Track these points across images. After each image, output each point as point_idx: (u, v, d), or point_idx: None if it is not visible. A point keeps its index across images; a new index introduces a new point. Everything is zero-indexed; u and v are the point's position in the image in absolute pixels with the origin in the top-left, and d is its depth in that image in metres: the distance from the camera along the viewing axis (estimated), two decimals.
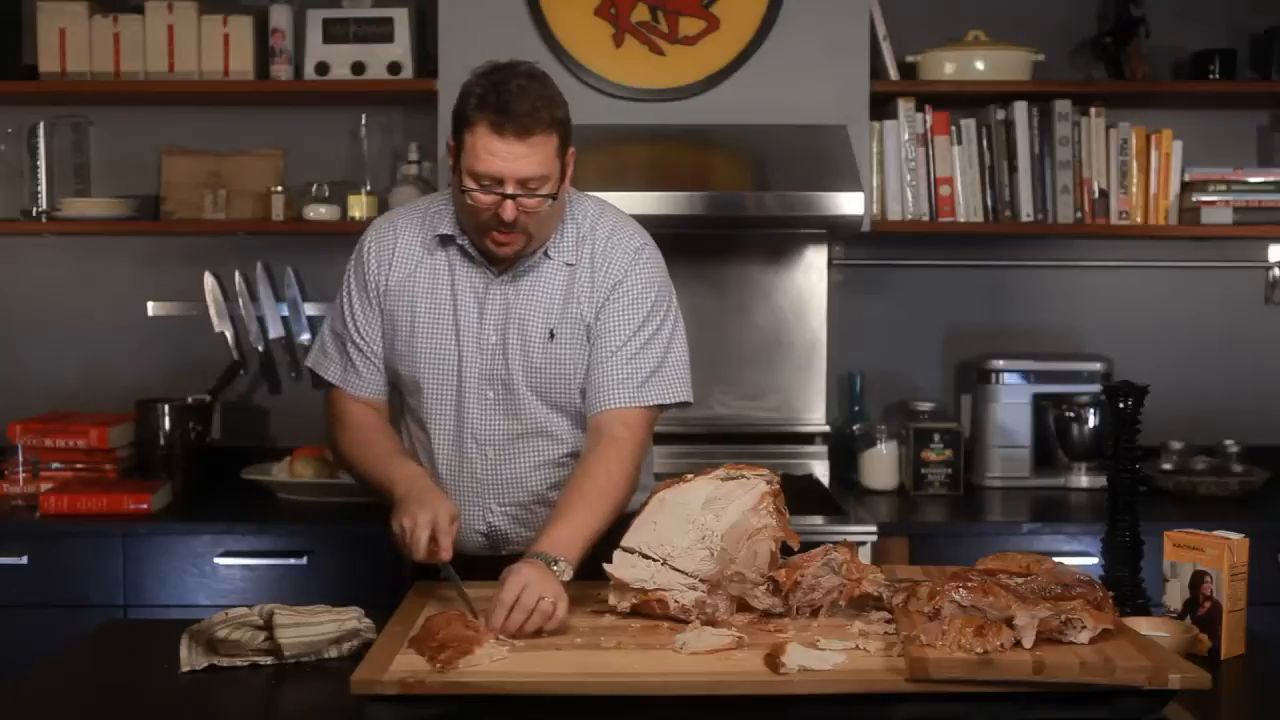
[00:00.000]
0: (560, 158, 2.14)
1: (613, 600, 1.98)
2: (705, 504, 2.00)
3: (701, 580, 1.97)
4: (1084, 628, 1.76)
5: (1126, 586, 2.15)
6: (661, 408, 2.27)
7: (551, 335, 2.23)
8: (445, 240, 2.26)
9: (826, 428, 3.57)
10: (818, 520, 3.03)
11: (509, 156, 2.07)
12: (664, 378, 2.26)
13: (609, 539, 2.05)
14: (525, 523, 2.29)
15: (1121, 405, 2.18)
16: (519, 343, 2.23)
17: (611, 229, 2.28)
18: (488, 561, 2.26)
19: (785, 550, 2.00)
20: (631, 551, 1.98)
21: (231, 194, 3.55)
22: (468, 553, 2.28)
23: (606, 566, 1.97)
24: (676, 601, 1.94)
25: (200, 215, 3.55)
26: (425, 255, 2.27)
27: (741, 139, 3.32)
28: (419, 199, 2.42)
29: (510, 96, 2.06)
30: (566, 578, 1.98)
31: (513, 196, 2.09)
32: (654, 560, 1.98)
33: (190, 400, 3.45)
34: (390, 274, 2.28)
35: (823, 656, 1.74)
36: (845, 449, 3.56)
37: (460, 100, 2.12)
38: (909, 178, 3.44)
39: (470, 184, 2.11)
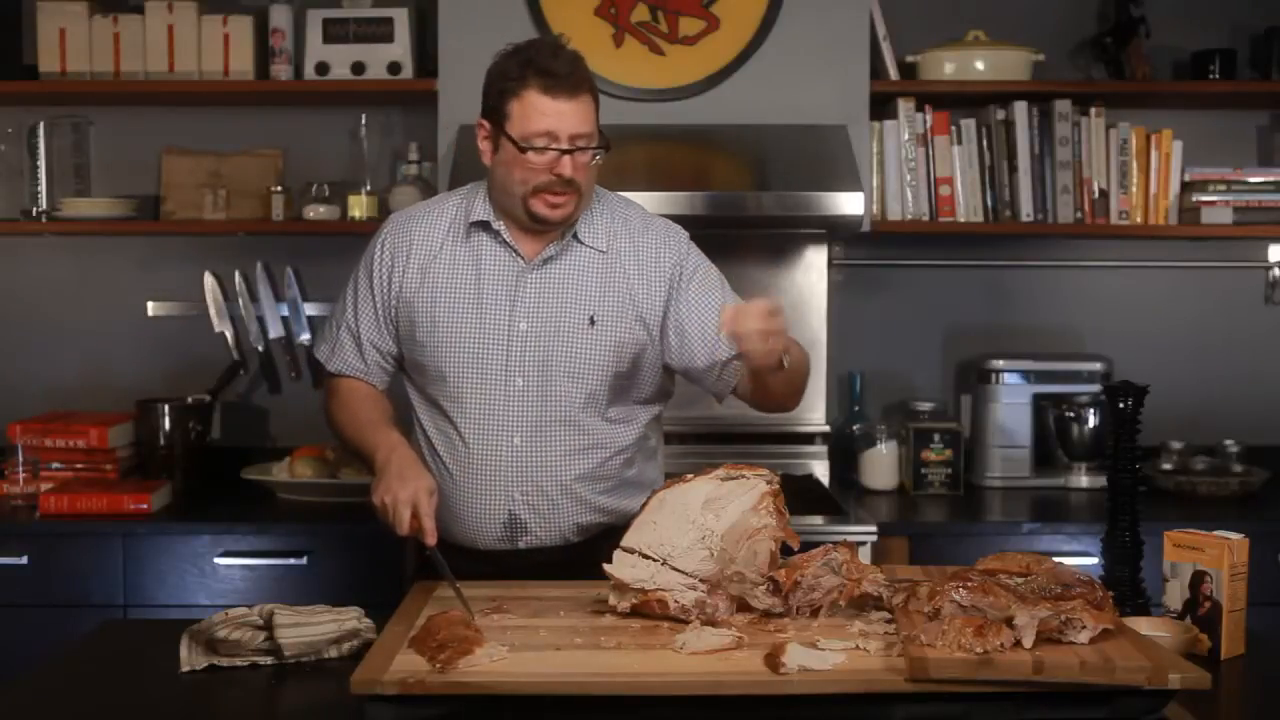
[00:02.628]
0: (598, 124, 2.22)
1: (613, 600, 1.98)
2: (705, 504, 2.00)
3: (701, 580, 1.97)
4: (1084, 628, 1.76)
5: (1126, 586, 2.15)
6: None
7: (592, 321, 2.26)
8: (473, 229, 2.29)
9: (826, 428, 3.57)
10: (818, 520, 3.03)
11: (561, 114, 2.16)
12: None
13: (609, 538, 2.05)
14: (546, 514, 2.29)
15: (1121, 405, 2.18)
16: (556, 330, 2.25)
17: (644, 220, 2.36)
18: (506, 556, 2.28)
19: (785, 550, 2.00)
20: (631, 551, 1.98)
21: (231, 194, 3.55)
22: (484, 545, 2.29)
23: (606, 567, 1.97)
24: (676, 601, 1.94)
25: (200, 215, 3.55)
26: (447, 244, 2.30)
27: (741, 139, 3.32)
28: (440, 194, 2.47)
29: (552, 61, 2.17)
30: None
31: (569, 151, 2.16)
32: (654, 560, 1.98)
33: (190, 400, 3.45)
34: (407, 268, 2.30)
35: (823, 656, 1.74)
36: (845, 449, 3.56)
37: (497, 77, 2.21)
38: (909, 178, 3.44)
39: (525, 145, 2.17)
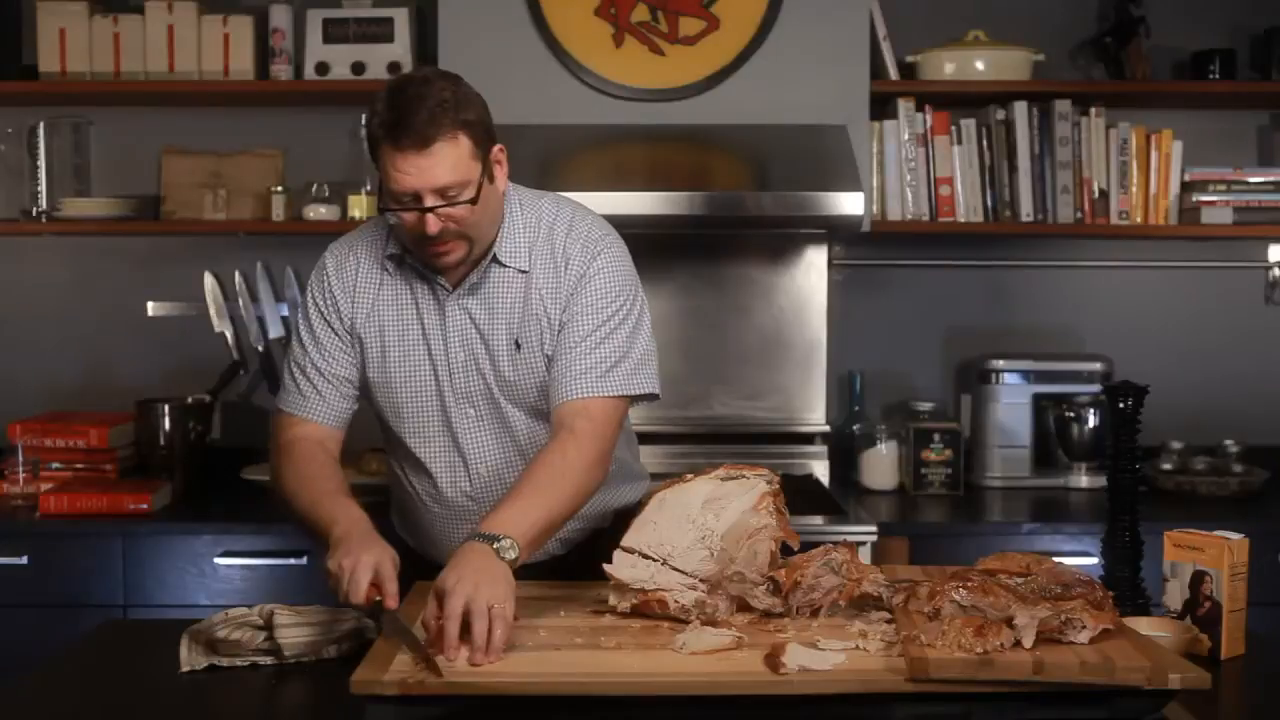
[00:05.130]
0: (479, 159, 2.06)
1: (613, 600, 1.98)
2: (705, 504, 2.00)
3: (701, 580, 1.97)
4: (1084, 628, 1.76)
5: (1126, 586, 2.15)
6: (630, 401, 2.21)
7: (518, 346, 2.18)
8: (398, 260, 2.21)
9: (826, 428, 3.58)
10: (818, 520, 3.03)
11: (415, 171, 2.00)
12: (629, 368, 2.17)
13: (611, 538, 2.04)
14: None
15: (1121, 405, 2.17)
16: (488, 358, 2.19)
17: (570, 226, 2.21)
18: None
19: (785, 550, 2.00)
20: (631, 551, 1.98)
21: (231, 194, 3.55)
22: None
23: (606, 567, 1.97)
24: (676, 601, 1.94)
25: (200, 215, 3.55)
26: (385, 277, 2.22)
27: (741, 139, 3.32)
28: (370, 220, 2.32)
29: (405, 110, 1.99)
30: (510, 556, 1.89)
31: (432, 209, 2.03)
32: (654, 560, 1.98)
33: (190, 400, 3.45)
34: (356, 303, 2.23)
35: (823, 656, 1.74)
36: (845, 449, 3.56)
37: (367, 125, 2.06)
38: (909, 178, 3.44)
39: (393, 204, 2.06)
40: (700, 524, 1.98)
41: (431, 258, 2.12)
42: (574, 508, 2.09)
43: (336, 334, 2.24)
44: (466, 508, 2.26)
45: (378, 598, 1.91)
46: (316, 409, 2.24)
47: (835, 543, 1.99)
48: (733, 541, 1.97)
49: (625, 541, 1.99)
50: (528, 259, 2.19)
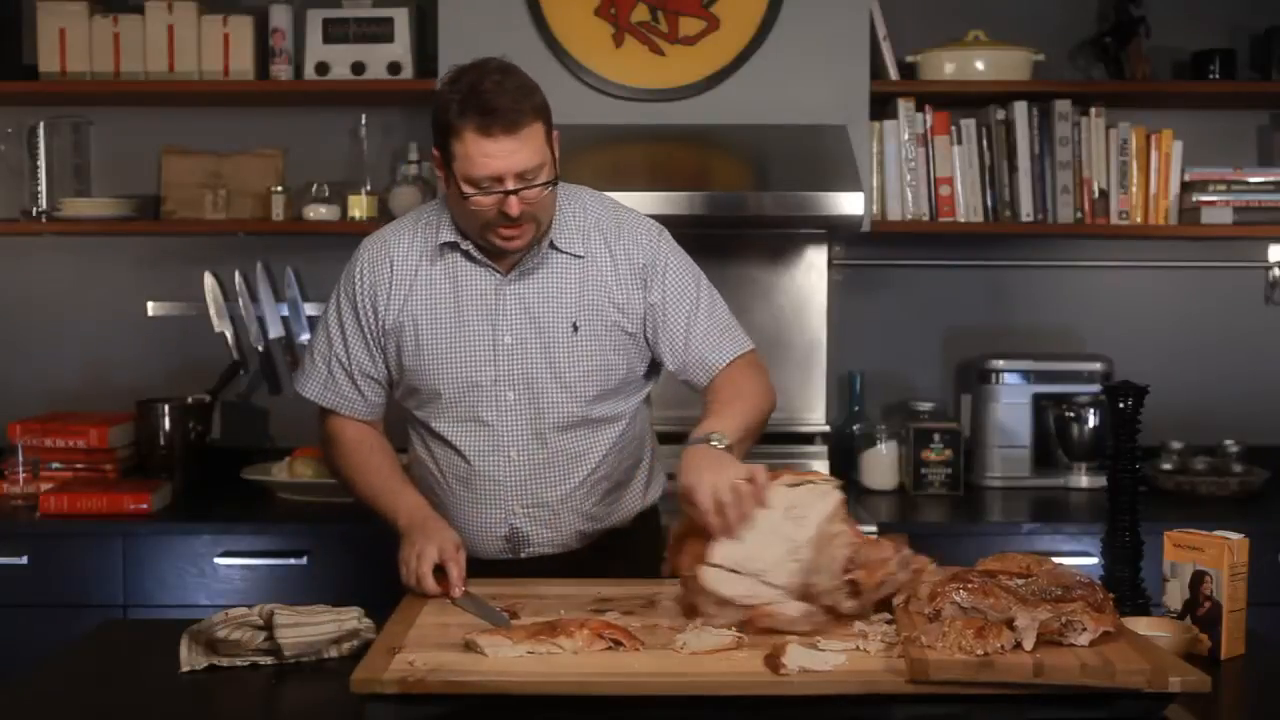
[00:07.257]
0: (549, 143, 2.14)
1: (710, 612, 1.90)
2: (785, 513, 1.94)
3: (788, 590, 1.91)
4: (1084, 630, 1.76)
5: (1126, 586, 2.15)
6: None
7: (575, 329, 2.22)
8: (446, 248, 2.24)
9: (826, 428, 3.57)
10: None
11: (503, 154, 2.06)
12: (736, 325, 2.33)
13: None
14: (548, 524, 2.28)
15: (1121, 405, 2.17)
16: (538, 341, 2.22)
17: (618, 218, 2.29)
18: (507, 565, 2.27)
19: None
20: (720, 567, 1.91)
21: (231, 194, 3.55)
22: (487, 557, 2.28)
23: (707, 583, 1.89)
24: (783, 614, 1.88)
25: (200, 215, 3.55)
26: (424, 265, 2.24)
27: (741, 139, 3.32)
28: (409, 212, 2.38)
29: (489, 95, 2.05)
30: (723, 445, 2.02)
31: (514, 192, 2.08)
32: (747, 575, 1.91)
33: (190, 400, 3.46)
34: (391, 295, 2.25)
35: (823, 657, 1.74)
36: (845, 449, 3.56)
37: (439, 110, 2.09)
38: (909, 178, 3.44)
39: (469, 189, 2.09)
40: (785, 535, 1.92)
41: (503, 241, 2.15)
42: (761, 419, 2.24)
43: (364, 335, 2.28)
44: (494, 494, 2.27)
45: (454, 593, 2.05)
46: (350, 405, 2.32)
47: (887, 536, 1.97)
48: (816, 550, 1.91)
49: (714, 558, 1.91)
50: (581, 245, 2.24)
